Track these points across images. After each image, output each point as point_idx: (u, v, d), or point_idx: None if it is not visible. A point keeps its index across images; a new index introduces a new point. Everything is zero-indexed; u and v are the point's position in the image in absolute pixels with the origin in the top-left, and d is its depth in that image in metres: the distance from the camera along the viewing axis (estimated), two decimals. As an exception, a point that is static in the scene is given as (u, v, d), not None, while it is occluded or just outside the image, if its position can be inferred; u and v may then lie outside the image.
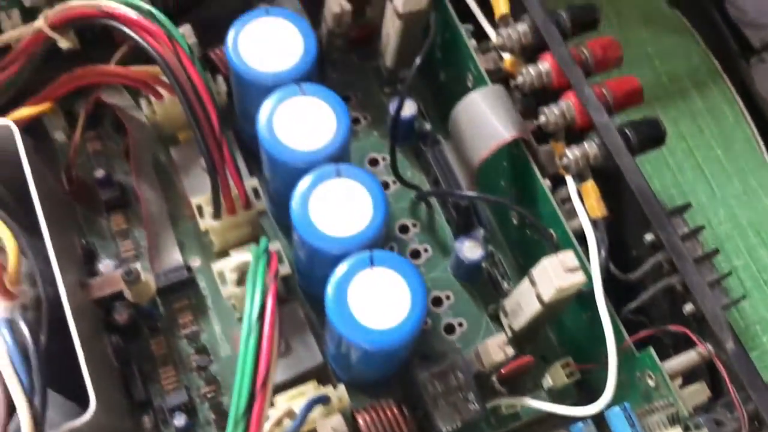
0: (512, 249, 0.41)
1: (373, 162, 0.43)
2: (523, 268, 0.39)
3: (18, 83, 0.37)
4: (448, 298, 0.40)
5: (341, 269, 0.32)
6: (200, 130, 0.34)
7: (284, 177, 0.35)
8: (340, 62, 0.44)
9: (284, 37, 0.36)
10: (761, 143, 0.48)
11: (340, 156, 0.34)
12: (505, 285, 0.40)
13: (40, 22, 0.35)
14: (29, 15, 0.39)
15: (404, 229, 0.41)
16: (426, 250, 0.41)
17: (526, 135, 0.36)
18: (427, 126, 0.43)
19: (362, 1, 0.44)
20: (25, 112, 0.37)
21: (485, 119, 0.36)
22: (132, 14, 0.34)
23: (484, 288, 0.40)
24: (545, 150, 0.38)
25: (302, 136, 0.34)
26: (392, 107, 0.41)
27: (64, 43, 0.36)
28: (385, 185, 0.42)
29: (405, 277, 0.32)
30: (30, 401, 0.28)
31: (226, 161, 0.35)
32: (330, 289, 0.31)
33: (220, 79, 0.40)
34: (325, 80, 0.38)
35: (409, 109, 0.41)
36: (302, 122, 0.34)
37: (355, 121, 0.44)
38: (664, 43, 0.50)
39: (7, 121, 0.33)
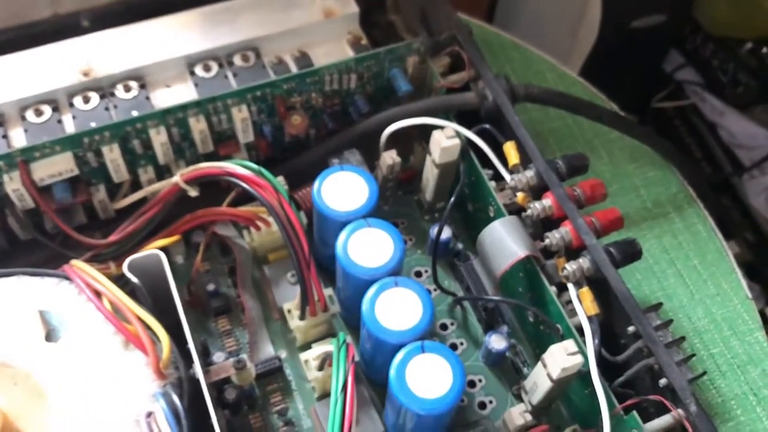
0: (529, 341, 0.52)
1: (418, 274, 0.55)
2: (538, 355, 0.50)
3: (155, 222, 0.50)
4: (480, 381, 0.51)
5: (399, 356, 0.43)
6: (295, 254, 0.46)
7: (355, 287, 0.47)
8: (390, 198, 0.57)
9: (354, 185, 0.49)
10: (730, 254, 0.59)
11: (397, 271, 0.46)
12: (525, 370, 0.51)
13: (177, 178, 0.48)
14: (160, 170, 0.53)
15: (444, 327, 0.53)
16: (462, 344, 0.52)
17: (536, 253, 0.48)
18: (460, 246, 0.55)
19: (407, 153, 0.57)
20: (160, 243, 0.49)
21: (504, 242, 0.48)
22: (247, 173, 0.47)
23: (508, 372, 0.51)
24: (551, 264, 0.50)
25: (369, 257, 0.46)
26: (432, 232, 0.53)
27: (192, 192, 0.49)
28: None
29: (449, 360, 0.43)
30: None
31: (312, 276, 0.47)
32: (392, 371, 0.43)
33: (302, 214, 0.53)
34: (380, 211, 0.51)
35: (446, 233, 0.54)
36: (369, 247, 0.46)
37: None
38: (648, 175, 0.62)
39: (157, 251, 0.46)
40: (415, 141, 0.57)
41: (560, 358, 0.44)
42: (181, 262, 0.54)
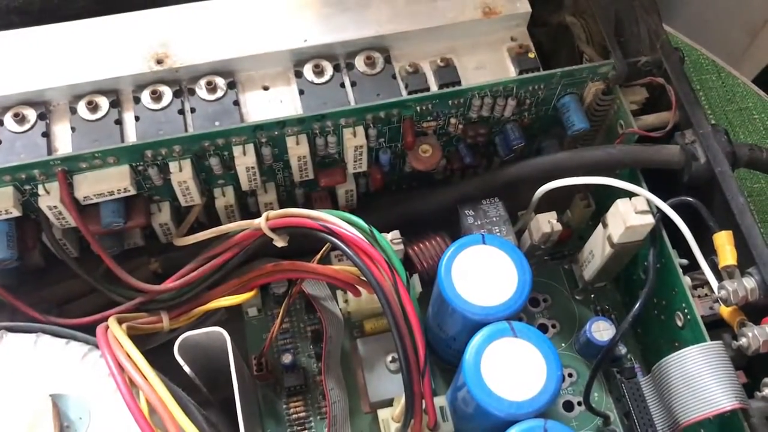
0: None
1: (559, 378, 0.41)
2: None
3: (225, 270, 0.38)
4: None
5: None
6: (405, 359, 0.33)
7: (482, 420, 0.33)
8: (533, 265, 0.43)
9: (498, 267, 0.35)
10: None
11: (547, 411, 0.32)
12: None
13: (261, 222, 0.35)
14: (242, 193, 0.41)
15: (586, 459, 0.39)
16: (608, 488, 0.39)
17: (746, 405, 0.34)
18: (622, 349, 0.41)
19: (563, 206, 0.43)
20: (233, 300, 0.37)
21: (703, 381, 0.34)
22: (353, 234, 0.34)
23: None
24: (758, 407, 0.35)
25: (510, 384, 0.32)
26: (588, 331, 0.40)
27: (279, 243, 0.36)
28: (568, 405, 0.41)
29: None
30: None
31: (425, 389, 0.34)
32: None
33: (416, 278, 0.40)
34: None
35: (607, 333, 0.40)
36: (511, 366, 0.33)
37: (542, 327, 0.42)
38: None
39: (220, 331, 0.33)
40: (577, 193, 0.43)
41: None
42: (253, 315, 0.42)
